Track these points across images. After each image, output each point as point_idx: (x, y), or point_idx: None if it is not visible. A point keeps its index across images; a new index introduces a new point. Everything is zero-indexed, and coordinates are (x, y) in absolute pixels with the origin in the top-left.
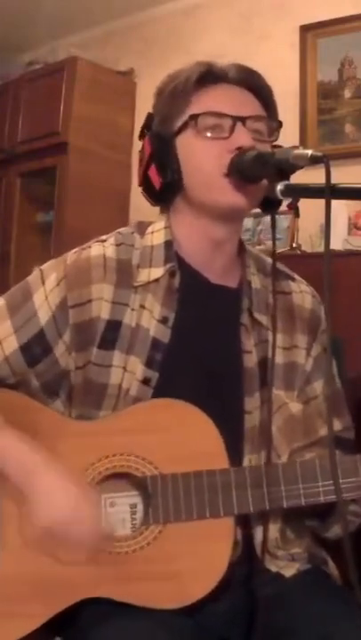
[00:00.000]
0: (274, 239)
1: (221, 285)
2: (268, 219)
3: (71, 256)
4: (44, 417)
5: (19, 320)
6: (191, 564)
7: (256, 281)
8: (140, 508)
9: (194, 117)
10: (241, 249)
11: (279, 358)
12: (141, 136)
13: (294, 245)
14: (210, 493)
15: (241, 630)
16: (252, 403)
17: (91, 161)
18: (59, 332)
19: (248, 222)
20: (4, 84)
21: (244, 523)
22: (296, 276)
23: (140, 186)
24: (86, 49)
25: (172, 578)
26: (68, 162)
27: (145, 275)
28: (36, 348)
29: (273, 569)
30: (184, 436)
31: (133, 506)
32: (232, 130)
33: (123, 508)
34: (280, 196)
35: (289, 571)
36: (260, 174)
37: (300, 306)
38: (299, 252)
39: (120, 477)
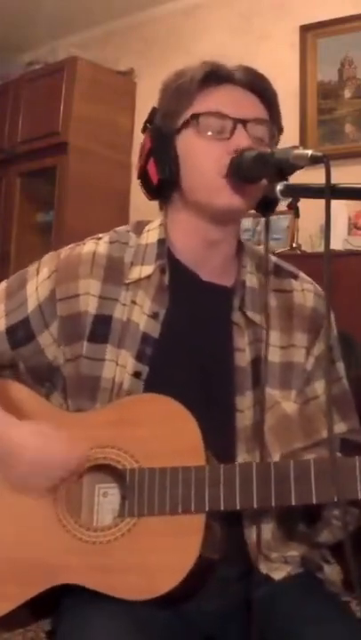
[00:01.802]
0: (267, 240)
1: (213, 283)
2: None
3: (65, 251)
4: (38, 408)
5: (11, 304)
6: (161, 557)
7: (253, 280)
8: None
9: (195, 117)
10: (239, 248)
11: (275, 357)
12: (144, 130)
13: (294, 245)
14: (183, 489)
15: (231, 632)
16: (243, 401)
17: (91, 161)
18: (45, 322)
19: (248, 222)
20: (4, 84)
21: (236, 523)
22: (301, 274)
23: (138, 179)
24: (86, 49)
25: (142, 570)
26: (68, 162)
27: (136, 272)
28: (19, 333)
29: (263, 570)
30: (166, 432)
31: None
32: (233, 132)
33: (115, 498)
34: (280, 196)
35: (279, 574)
36: (260, 174)
37: (300, 304)
38: (299, 251)
39: (103, 469)
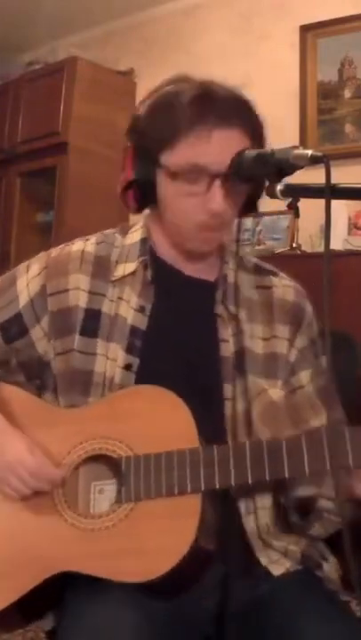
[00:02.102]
0: (238, 240)
1: (197, 278)
2: (267, 219)
3: (55, 250)
4: (32, 406)
5: (2, 301)
6: (158, 539)
7: (234, 276)
8: None
9: (174, 174)
10: (222, 246)
11: (258, 348)
12: (128, 137)
13: (294, 245)
14: (179, 471)
15: (232, 632)
16: (231, 390)
17: (91, 161)
18: (37, 316)
19: (248, 222)
20: (4, 84)
21: (234, 513)
22: (280, 273)
23: (120, 192)
24: (86, 49)
25: (139, 553)
26: (68, 162)
27: (121, 269)
28: (13, 328)
29: (263, 561)
30: (158, 419)
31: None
32: (210, 187)
33: (111, 494)
34: (280, 196)
35: (278, 568)
36: (260, 174)
37: (280, 299)
38: (299, 251)
39: (99, 462)
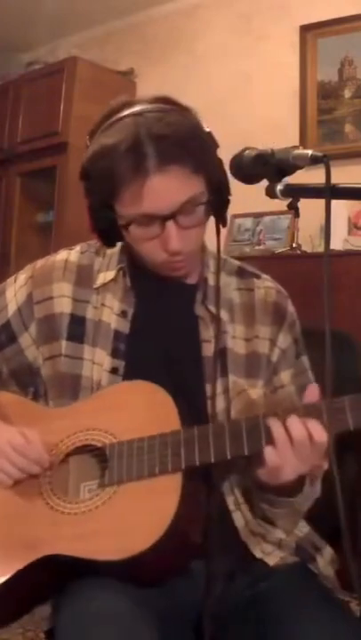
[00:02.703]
0: (218, 241)
1: (177, 281)
2: (267, 219)
3: (41, 261)
4: (23, 407)
5: None
6: (138, 518)
7: (214, 279)
8: None
9: (124, 226)
10: (202, 249)
11: (240, 349)
12: (81, 177)
13: (294, 245)
14: (160, 451)
15: (231, 632)
16: (212, 389)
17: None
18: (24, 324)
19: (248, 222)
20: (4, 84)
21: (225, 513)
22: (263, 275)
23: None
24: (86, 49)
25: (120, 532)
26: (68, 162)
27: (102, 277)
28: (2, 336)
29: (258, 554)
30: (141, 408)
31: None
32: (163, 228)
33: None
34: (280, 196)
35: (273, 559)
36: (260, 174)
37: (262, 300)
38: (299, 251)
39: (88, 456)
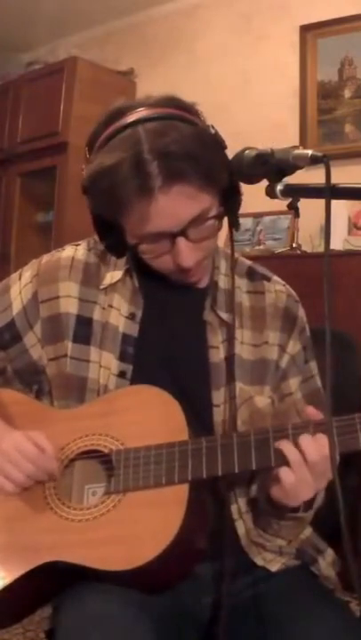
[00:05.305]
0: (232, 248)
1: (185, 285)
2: (267, 219)
3: (46, 256)
4: (28, 407)
5: None
6: (144, 527)
7: (225, 281)
8: None
9: (134, 246)
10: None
11: (248, 355)
12: (84, 191)
13: (294, 245)
14: (167, 462)
15: (232, 632)
16: (219, 396)
17: None
18: (29, 323)
19: (248, 222)
20: (4, 84)
21: (228, 520)
22: (274, 277)
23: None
24: (86, 49)
25: (126, 541)
26: (68, 162)
27: (109, 277)
28: (6, 335)
29: (259, 562)
30: (150, 416)
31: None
32: (173, 243)
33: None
34: (280, 196)
35: (275, 565)
36: (260, 174)
37: (272, 304)
38: (299, 251)
39: (92, 459)
